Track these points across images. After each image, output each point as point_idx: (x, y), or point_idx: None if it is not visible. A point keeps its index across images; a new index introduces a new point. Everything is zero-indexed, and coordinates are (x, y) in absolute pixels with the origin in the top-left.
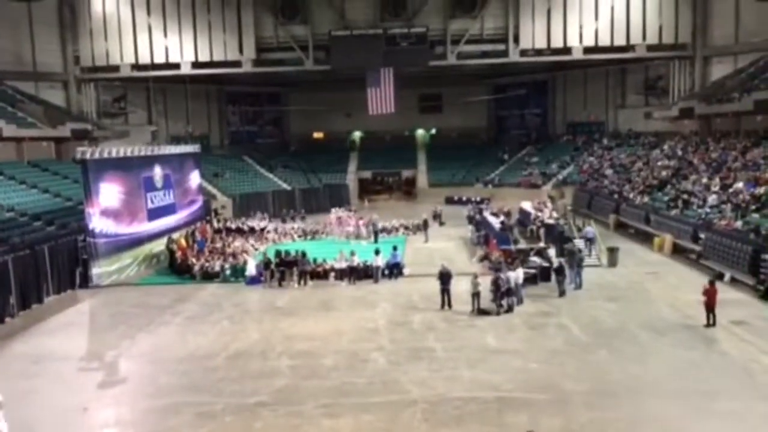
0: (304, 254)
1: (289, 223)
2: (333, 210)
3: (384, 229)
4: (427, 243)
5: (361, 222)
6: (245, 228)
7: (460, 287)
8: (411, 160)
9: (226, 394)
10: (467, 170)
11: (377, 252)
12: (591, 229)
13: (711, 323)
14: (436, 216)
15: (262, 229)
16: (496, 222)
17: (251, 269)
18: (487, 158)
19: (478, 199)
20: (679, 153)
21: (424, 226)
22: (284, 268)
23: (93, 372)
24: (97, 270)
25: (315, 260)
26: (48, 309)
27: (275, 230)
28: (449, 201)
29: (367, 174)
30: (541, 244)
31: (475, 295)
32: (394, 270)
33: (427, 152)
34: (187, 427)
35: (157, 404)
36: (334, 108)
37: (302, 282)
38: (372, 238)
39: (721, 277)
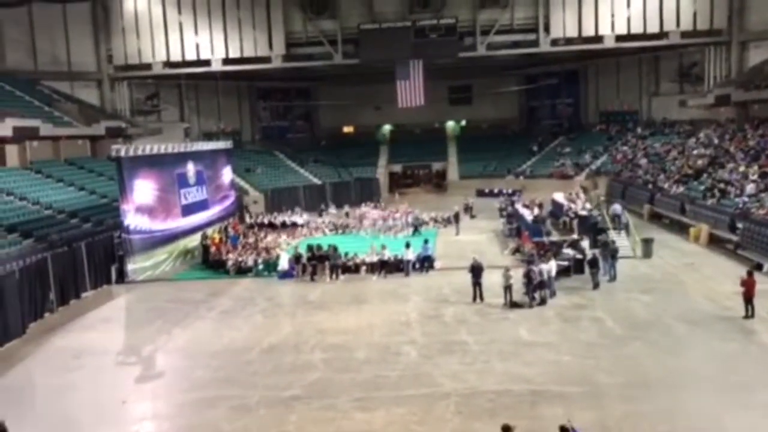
0: (335, 248)
1: (325, 217)
2: (363, 205)
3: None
4: (458, 236)
5: (397, 214)
6: (277, 223)
7: (492, 280)
8: (441, 152)
9: (260, 388)
10: (498, 162)
11: (408, 245)
12: (618, 206)
13: (749, 315)
14: (467, 208)
15: (294, 224)
16: (528, 214)
17: (284, 264)
18: (519, 149)
19: (510, 191)
20: (716, 141)
21: (455, 218)
22: (316, 263)
23: (131, 366)
24: (132, 266)
25: (346, 254)
26: (86, 304)
27: (307, 225)
28: (480, 193)
29: (397, 167)
30: (575, 236)
31: (508, 288)
32: (426, 263)
33: (457, 144)
34: (223, 420)
35: (193, 397)
36: (364, 102)
37: (334, 276)
38: (409, 231)
39: (759, 267)
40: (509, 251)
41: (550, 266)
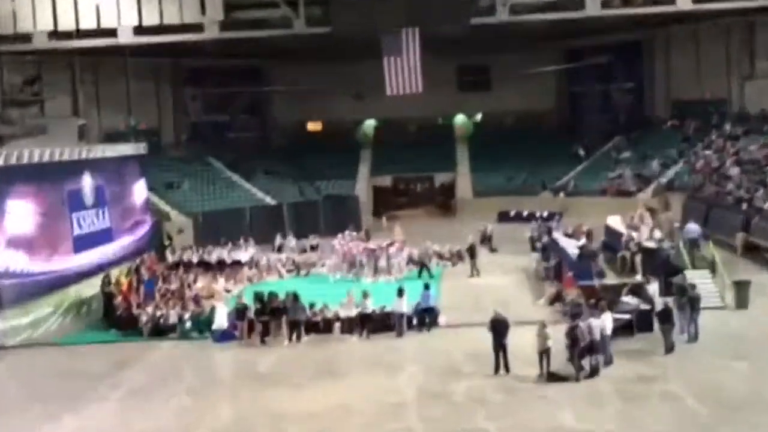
0: (296, 297)
1: (282, 252)
2: (341, 236)
3: (410, 260)
4: (474, 278)
5: (392, 249)
6: (212, 261)
7: (522, 341)
8: (447, 159)
9: None
10: (529, 173)
11: (401, 292)
12: (694, 226)
13: None
14: (485, 239)
15: (237, 263)
16: (571, 246)
17: (221, 320)
18: (557, 155)
19: (546, 214)
20: None
21: (470, 253)
22: (268, 318)
23: None
24: (2, 324)
25: (312, 306)
26: None
27: (256, 263)
28: (503, 217)
29: (385, 180)
30: (638, 278)
31: (544, 352)
32: (426, 318)
33: (470, 148)
34: None
35: None
36: (337, 87)
37: (294, 337)
38: (406, 272)
39: None
40: (546, 300)
41: (604, 321)
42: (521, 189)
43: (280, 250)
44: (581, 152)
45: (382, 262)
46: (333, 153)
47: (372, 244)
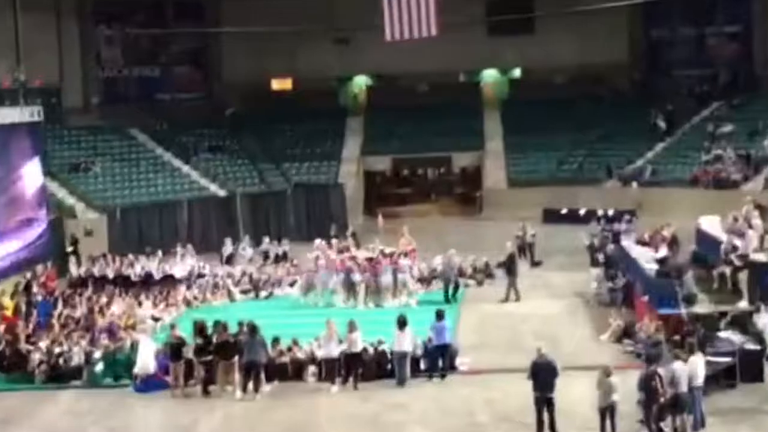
0: (254, 329)
1: (236, 264)
2: (317, 242)
3: (422, 278)
4: (509, 302)
5: (403, 261)
6: (135, 276)
7: (576, 394)
8: (472, 132)
9: None
10: (588, 153)
11: (402, 323)
12: None
13: None
14: (524, 248)
15: (169, 278)
16: (648, 259)
17: (146, 361)
18: (628, 128)
19: (611, 212)
20: None
21: (507, 268)
22: (214, 358)
23: None
24: None
25: (276, 341)
26: None
27: (196, 279)
28: (550, 217)
29: (382, 163)
30: (743, 305)
31: (608, 410)
32: (440, 360)
33: (504, 117)
34: None
35: None
36: (313, 29)
37: (251, 386)
38: (417, 291)
39: None
40: (610, 335)
41: (694, 367)
42: (576, 177)
43: (230, 261)
44: (662, 124)
45: (386, 279)
46: (308, 123)
47: (363, 255)
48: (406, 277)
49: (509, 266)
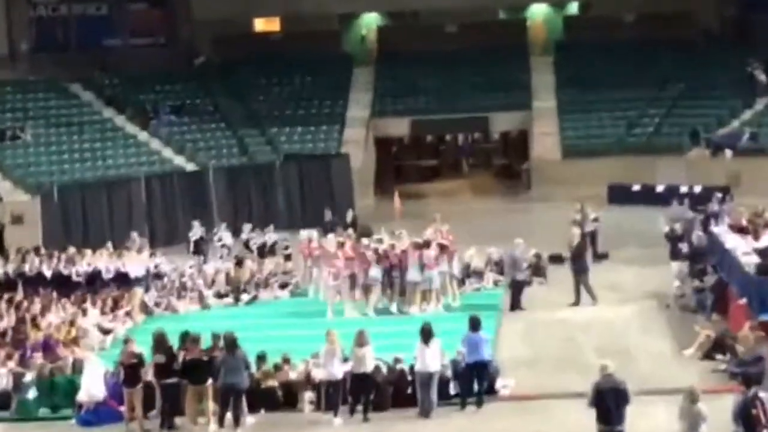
0: (232, 344)
1: (211, 258)
2: (304, 232)
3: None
4: (580, 306)
5: (431, 252)
6: (77, 276)
7: (653, 426)
8: (515, 87)
9: None
10: (666, 113)
11: (427, 335)
12: None
13: None
14: (584, 236)
15: (122, 277)
16: (746, 250)
17: (92, 386)
18: (719, 80)
19: (698, 189)
20: None
21: (574, 262)
22: (180, 381)
23: None
24: None
25: (261, 359)
26: None
27: (155, 279)
28: (618, 195)
29: (398, 127)
30: None
31: None
32: (475, 382)
33: (557, 67)
34: None
35: None
36: None
37: (228, 416)
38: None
39: None
40: (697, 349)
41: None
42: (652, 144)
43: (199, 250)
44: (762, 77)
45: (412, 276)
46: (302, 76)
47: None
48: (444, 274)
49: (576, 260)
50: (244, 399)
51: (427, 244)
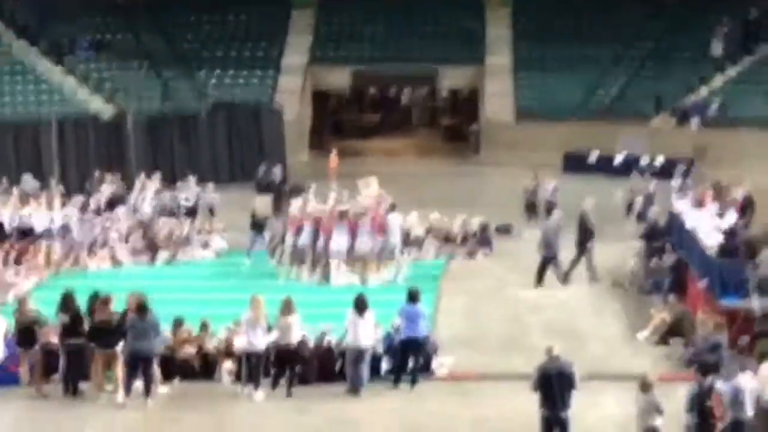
0: (142, 307)
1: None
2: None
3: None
4: (542, 288)
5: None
6: None
7: (602, 414)
8: (468, 38)
9: None
10: (631, 76)
11: (361, 306)
12: None
13: None
14: (536, 207)
15: (24, 232)
16: (709, 228)
17: None
18: (689, 42)
19: (659, 161)
20: None
21: (582, 233)
22: (86, 344)
23: None
24: None
25: (178, 324)
26: None
27: (63, 232)
28: (573, 164)
29: (338, 76)
30: None
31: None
32: (411, 359)
33: (514, 17)
34: None
35: None
36: None
37: (137, 385)
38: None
39: None
40: (652, 333)
41: (766, 381)
42: (614, 110)
43: (112, 205)
44: (717, 49)
45: (365, 242)
46: (234, 14)
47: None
48: (394, 240)
49: (584, 232)
50: (155, 367)
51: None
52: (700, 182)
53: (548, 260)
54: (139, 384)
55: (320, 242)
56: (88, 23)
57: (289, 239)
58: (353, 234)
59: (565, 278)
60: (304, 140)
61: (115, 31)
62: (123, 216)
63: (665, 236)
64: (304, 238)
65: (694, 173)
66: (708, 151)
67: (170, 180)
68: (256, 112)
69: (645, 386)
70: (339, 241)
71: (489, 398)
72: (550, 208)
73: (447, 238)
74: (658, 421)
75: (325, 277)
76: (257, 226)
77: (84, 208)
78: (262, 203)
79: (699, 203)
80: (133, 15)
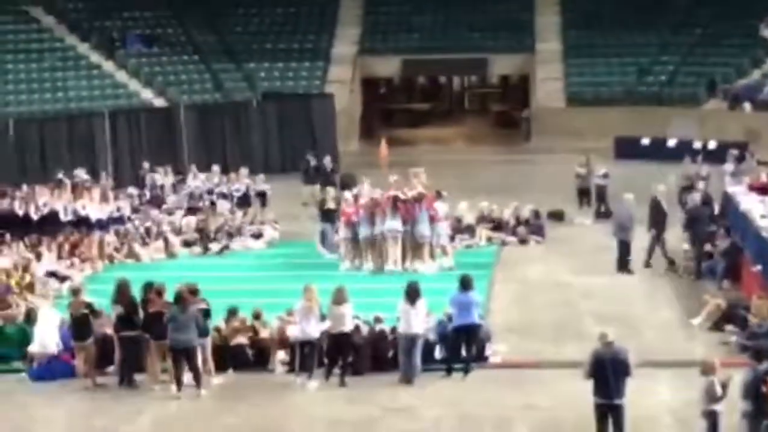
0: (180, 299)
1: (178, 202)
2: (347, 194)
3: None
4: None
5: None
6: (29, 216)
7: (656, 400)
8: (517, 26)
9: None
10: (681, 60)
11: (413, 294)
12: None
13: None
14: (588, 192)
15: (83, 222)
16: (764, 212)
17: (46, 337)
18: (741, 26)
19: (713, 145)
20: None
21: (654, 218)
22: (141, 336)
23: None
24: None
25: (232, 313)
26: None
27: (120, 223)
28: (625, 149)
29: (387, 65)
30: None
31: (708, 418)
32: (462, 347)
33: (562, 5)
34: None
35: None
36: None
37: (187, 378)
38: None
39: None
40: (706, 318)
41: None
42: (665, 94)
43: (156, 197)
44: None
45: (423, 229)
46: (284, 6)
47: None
48: (443, 228)
49: (655, 217)
50: (199, 359)
51: (439, 194)
52: (754, 166)
53: (625, 244)
54: (188, 377)
55: (375, 228)
56: (138, 17)
57: (342, 231)
58: (405, 220)
59: (646, 264)
60: (354, 130)
61: (166, 25)
62: (175, 206)
63: (710, 221)
64: (360, 229)
65: (748, 157)
66: (761, 134)
67: (223, 170)
68: (306, 102)
69: (706, 369)
70: (393, 224)
71: (542, 386)
72: (601, 194)
73: (499, 226)
74: (719, 407)
75: (380, 266)
76: (327, 215)
77: (138, 199)
78: (323, 193)
79: (753, 187)
80: (183, 9)
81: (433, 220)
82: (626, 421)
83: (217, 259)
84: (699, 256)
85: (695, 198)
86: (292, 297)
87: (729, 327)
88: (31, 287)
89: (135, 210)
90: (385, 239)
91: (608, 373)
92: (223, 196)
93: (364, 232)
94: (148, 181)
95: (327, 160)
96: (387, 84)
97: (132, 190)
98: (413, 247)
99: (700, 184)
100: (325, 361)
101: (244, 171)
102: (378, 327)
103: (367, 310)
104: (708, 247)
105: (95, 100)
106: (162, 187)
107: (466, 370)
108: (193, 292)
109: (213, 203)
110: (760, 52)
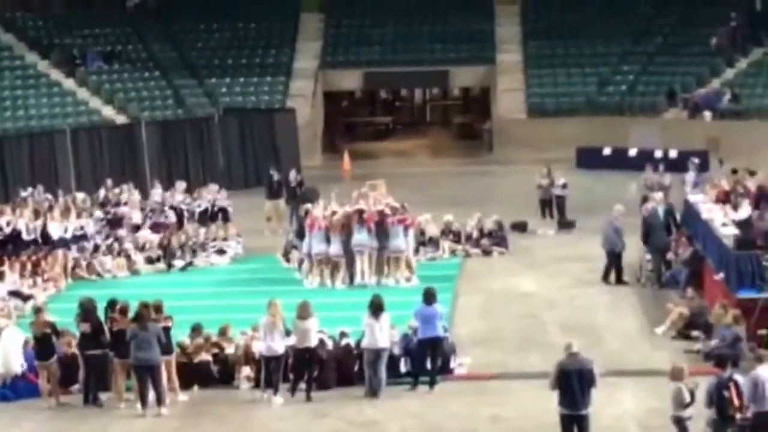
0: (140, 316)
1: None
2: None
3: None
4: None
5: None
6: None
7: (620, 410)
8: (478, 37)
9: None
10: (642, 70)
11: (377, 309)
12: None
13: None
14: (550, 203)
15: (43, 241)
16: (724, 221)
17: (10, 357)
18: (700, 35)
19: (674, 154)
20: None
21: (646, 231)
22: (107, 354)
23: None
24: None
25: (195, 330)
26: None
27: (78, 240)
28: (586, 159)
29: (349, 78)
30: None
31: (679, 422)
32: (426, 360)
33: (523, 15)
34: None
35: None
36: None
37: (151, 396)
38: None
39: None
40: (669, 327)
41: None
42: (626, 104)
43: (118, 214)
44: (713, 41)
45: (398, 242)
46: (245, 21)
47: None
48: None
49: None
50: (162, 376)
51: (403, 207)
52: (715, 174)
53: (614, 255)
54: (152, 395)
55: (338, 245)
56: (98, 34)
57: (311, 245)
58: (371, 231)
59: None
60: (316, 143)
61: (126, 42)
62: (138, 223)
63: (669, 230)
64: (323, 243)
65: (720, 165)
66: (721, 143)
67: (187, 186)
68: (268, 117)
69: (675, 375)
70: (360, 238)
71: (508, 397)
72: (560, 204)
73: (456, 238)
74: (688, 412)
75: (347, 279)
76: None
77: (103, 215)
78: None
79: (714, 195)
80: (143, 25)
81: (407, 228)
82: (592, 430)
83: (181, 276)
84: (659, 265)
85: (649, 207)
86: (256, 312)
87: (694, 333)
88: None
89: (98, 228)
90: (353, 254)
91: (574, 384)
92: (188, 212)
93: (317, 248)
94: (111, 198)
95: (293, 175)
96: (349, 97)
97: (96, 212)
98: (390, 261)
99: (658, 194)
100: (291, 376)
101: (213, 187)
102: (343, 341)
103: (332, 324)
104: (669, 255)
105: (56, 118)
106: (125, 203)
107: (431, 383)
108: (158, 309)
109: (178, 219)
110: (720, 61)
